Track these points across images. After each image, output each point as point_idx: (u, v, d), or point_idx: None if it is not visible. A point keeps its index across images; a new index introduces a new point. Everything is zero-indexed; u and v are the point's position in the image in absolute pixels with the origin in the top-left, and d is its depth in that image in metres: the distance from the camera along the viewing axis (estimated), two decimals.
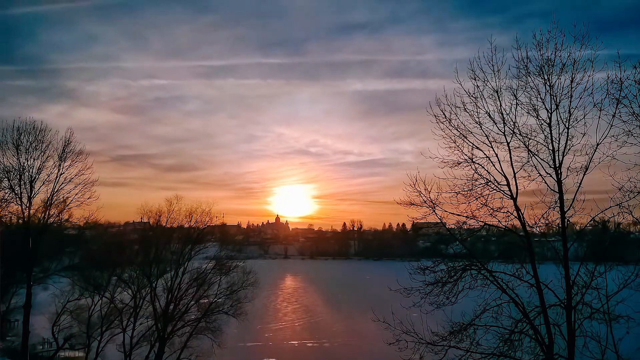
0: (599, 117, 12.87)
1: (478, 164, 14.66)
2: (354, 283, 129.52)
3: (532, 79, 13.90)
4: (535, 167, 13.94)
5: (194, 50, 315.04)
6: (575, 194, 13.35)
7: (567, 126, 13.47)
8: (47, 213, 33.81)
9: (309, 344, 59.12)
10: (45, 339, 45.98)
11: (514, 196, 14.26)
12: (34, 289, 35.86)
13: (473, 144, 14.71)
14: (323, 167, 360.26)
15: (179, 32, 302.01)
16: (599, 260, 13.49)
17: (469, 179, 14.67)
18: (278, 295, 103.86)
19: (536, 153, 13.94)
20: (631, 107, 12.43)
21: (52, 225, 35.27)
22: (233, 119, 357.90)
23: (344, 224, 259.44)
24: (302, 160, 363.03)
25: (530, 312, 13.79)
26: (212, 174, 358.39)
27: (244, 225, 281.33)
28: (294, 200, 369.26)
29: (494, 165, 14.55)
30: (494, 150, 14.51)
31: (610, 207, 13.03)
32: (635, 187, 12.68)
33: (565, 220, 13.56)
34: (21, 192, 32.92)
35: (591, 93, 13.01)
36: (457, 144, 14.81)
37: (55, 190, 33.65)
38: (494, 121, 14.48)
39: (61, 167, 33.77)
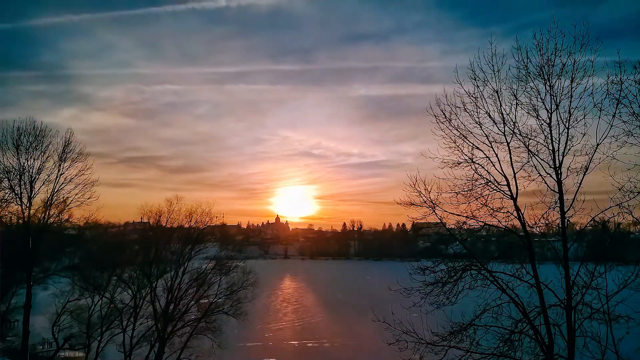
0: (599, 118, 12.87)
1: (478, 164, 14.68)
2: (354, 283, 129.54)
3: (532, 79, 13.91)
4: (535, 168, 13.95)
5: (207, 58, 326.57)
6: (575, 194, 13.36)
7: (567, 126, 13.47)
8: (47, 213, 33.85)
9: (309, 344, 59.12)
10: (45, 339, 45.98)
11: (514, 196, 14.26)
12: (34, 289, 35.89)
13: (473, 144, 14.74)
14: (326, 168, 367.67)
15: (194, 41, 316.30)
16: (599, 260, 13.49)
17: (469, 179, 14.69)
18: (278, 295, 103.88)
19: (536, 153, 13.95)
20: (631, 107, 12.44)
21: (52, 226, 35.29)
22: (241, 123, 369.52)
23: (344, 224, 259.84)
24: (306, 161, 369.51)
25: (530, 312, 13.79)
26: (217, 175, 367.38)
27: (244, 226, 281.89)
28: (296, 201, 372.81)
29: (494, 166, 14.57)
30: (494, 151, 14.53)
31: (610, 207, 13.03)
32: (635, 187, 12.68)
33: (565, 220, 13.56)
34: (21, 192, 32.94)
35: (591, 93, 13.01)
36: (457, 144, 14.84)
37: (55, 190, 33.69)
38: (494, 121, 14.49)
39: (61, 167, 33.82)
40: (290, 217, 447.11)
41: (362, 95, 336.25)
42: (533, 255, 14.15)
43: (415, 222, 15.94)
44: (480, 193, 14.53)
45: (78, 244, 45.95)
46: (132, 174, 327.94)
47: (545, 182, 13.78)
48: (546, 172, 13.77)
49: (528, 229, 14.18)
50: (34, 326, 37.33)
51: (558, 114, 13.59)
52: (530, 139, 14.05)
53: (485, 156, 14.61)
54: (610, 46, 13.04)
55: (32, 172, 33.23)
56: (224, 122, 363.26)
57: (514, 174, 14.22)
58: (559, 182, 13.57)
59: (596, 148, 13.05)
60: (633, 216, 13.03)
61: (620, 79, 12.40)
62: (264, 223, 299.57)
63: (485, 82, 14.40)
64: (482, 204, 14.50)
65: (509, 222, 14.56)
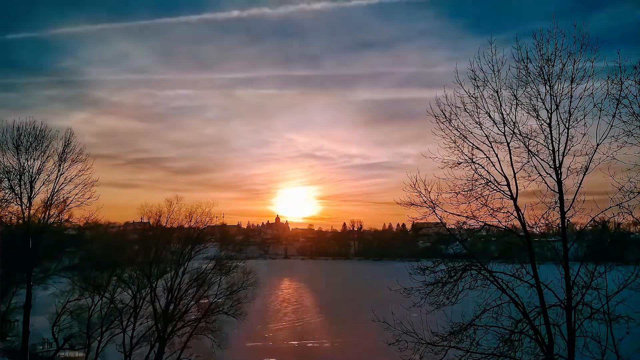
0: (599, 118, 12.88)
1: (478, 164, 14.69)
2: (354, 283, 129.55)
3: (532, 79, 13.92)
4: (535, 168, 13.95)
5: (218, 65, 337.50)
6: (575, 195, 13.37)
7: (567, 126, 13.47)
8: (47, 213, 33.83)
9: (309, 344, 59.12)
10: (45, 339, 45.94)
11: (514, 196, 14.26)
12: (34, 289, 35.87)
13: (473, 144, 14.75)
14: (329, 169, 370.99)
15: (205, 49, 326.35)
16: (599, 260, 13.49)
17: (469, 179, 14.70)
18: (278, 295, 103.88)
19: (536, 153, 13.96)
20: (631, 107, 12.45)
21: (52, 226, 35.29)
22: (248, 126, 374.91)
23: (344, 224, 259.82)
24: (310, 163, 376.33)
25: (530, 313, 13.79)
26: (221, 176, 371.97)
27: (244, 226, 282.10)
28: (298, 201, 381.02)
29: (494, 166, 14.57)
30: (494, 151, 14.54)
31: (610, 207, 13.03)
32: (635, 187, 12.69)
33: (565, 220, 13.56)
34: (21, 192, 32.93)
35: (591, 93, 13.02)
36: (457, 144, 14.85)
37: (55, 190, 33.67)
38: (494, 121, 14.49)
39: (61, 167, 33.79)
40: (292, 218, 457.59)
41: (367, 99, 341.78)
42: (533, 256, 14.15)
43: (415, 222, 15.97)
44: (480, 193, 14.54)
45: (78, 244, 45.93)
46: (137, 175, 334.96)
47: (545, 182, 13.79)
48: (546, 172, 13.78)
49: (528, 229, 14.19)
50: (34, 326, 37.29)
51: (558, 114, 13.60)
52: (530, 139, 14.06)
53: (485, 156, 14.63)
54: (610, 46, 13.06)
55: (32, 172, 33.24)
56: (231, 125, 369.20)
57: (514, 174, 14.23)
58: (559, 182, 13.57)
59: (596, 148, 13.06)
60: (633, 216, 13.04)
61: (620, 79, 12.43)
62: (264, 223, 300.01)
63: (485, 82, 14.41)
64: (482, 204, 14.52)
65: (509, 222, 14.58)
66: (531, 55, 13.87)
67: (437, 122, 15.03)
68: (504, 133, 14.37)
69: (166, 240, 42.36)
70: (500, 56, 14.19)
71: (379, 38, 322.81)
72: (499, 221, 14.57)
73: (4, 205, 33.05)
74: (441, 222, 15.24)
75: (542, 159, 13.86)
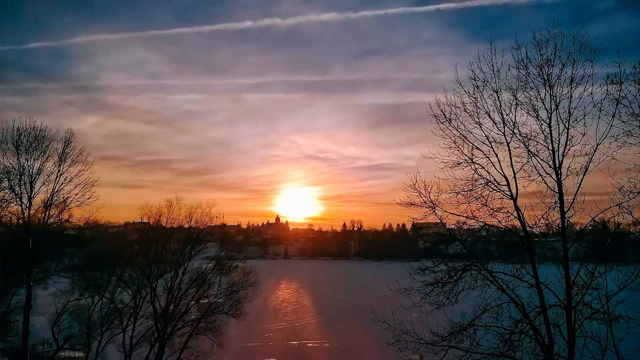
0: (599, 118, 12.89)
1: (478, 164, 14.69)
2: (354, 283, 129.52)
3: (532, 79, 13.92)
4: (535, 168, 13.96)
5: (229, 71, 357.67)
6: (575, 195, 13.37)
7: (567, 126, 13.48)
8: (47, 213, 33.78)
9: (309, 344, 59.12)
10: (45, 339, 45.95)
11: (514, 196, 14.26)
12: (34, 290, 35.83)
13: (473, 144, 14.76)
14: (332, 171, 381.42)
15: (217, 56, 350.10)
16: (599, 260, 13.49)
17: (469, 179, 14.71)
18: (278, 295, 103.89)
19: (536, 153, 13.96)
20: (631, 107, 12.45)
21: (52, 226, 35.23)
22: (254, 129, 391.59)
23: (344, 224, 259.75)
24: (313, 164, 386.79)
25: (530, 313, 13.79)
26: (226, 177, 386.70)
27: (244, 226, 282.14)
28: (300, 202, 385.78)
29: (493, 166, 14.58)
30: (493, 151, 14.55)
31: (610, 207, 13.04)
32: (635, 187, 12.69)
33: (565, 220, 13.56)
34: (21, 193, 32.89)
35: (591, 93, 13.02)
36: (457, 145, 14.86)
37: (55, 190, 33.62)
38: (493, 121, 14.50)
39: (61, 168, 33.75)
40: (295, 218, 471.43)
41: (371, 103, 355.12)
42: (533, 256, 14.16)
43: (415, 222, 15.96)
44: (480, 193, 14.55)
45: (78, 244, 45.88)
46: (143, 176, 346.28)
47: (545, 183, 13.79)
48: (546, 172, 13.78)
49: (528, 229, 14.19)
50: (34, 326, 37.30)
51: (558, 114, 13.61)
52: (530, 139, 14.06)
53: (485, 156, 14.64)
54: (610, 47, 13.07)
55: (32, 172, 33.19)
56: (238, 128, 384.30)
57: (514, 174, 14.23)
58: (559, 183, 13.57)
59: (596, 148, 13.07)
60: (633, 216, 13.04)
61: (620, 79, 12.44)
62: (264, 223, 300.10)
63: (485, 82, 14.42)
64: (482, 204, 14.52)
65: (509, 223, 14.58)
66: (531, 56, 13.90)
67: (437, 123, 15.06)
68: (503, 133, 14.38)
69: (166, 241, 42.33)
70: (500, 57, 14.22)
71: (384, 46, 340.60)
72: (499, 221, 14.59)
73: (4, 205, 33.02)
74: (441, 222, 15.26)
75: (542, 159, 13.87)
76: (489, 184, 14.51)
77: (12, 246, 35.05)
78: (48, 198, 33.52)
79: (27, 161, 33.07)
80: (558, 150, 13.59)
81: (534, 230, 14.36)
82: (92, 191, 34.28)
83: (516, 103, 14.14)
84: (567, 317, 13.13)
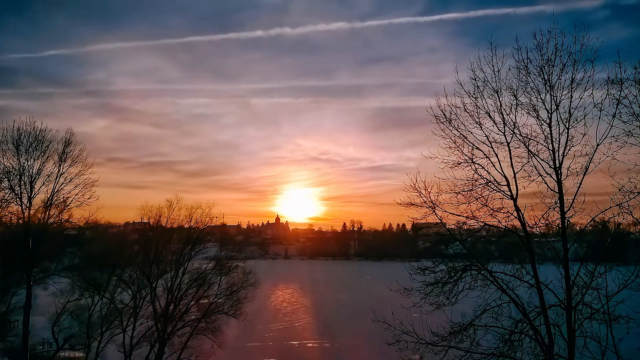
0: (599, 118, 12.89)
1: (478, 164, 14.69)
2: (354, 283, 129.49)
3: (532, 79, 13.92)
4: (535, 168, 13.95)
5: (238, 77, 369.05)
6: (575, 195, 13.36)
7: (567, 126, 13.47)
8: (47, 213, 33.76)
9: (309, 344, 59.12)
10: (45, 339, 45.95)
11: (514, 197, 14.26)
12: (34, 290, 35.82)
13: (473, 144, 14.75)
14: (335, 171, 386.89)
15: (228, 63, 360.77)
16: (599, 260, 13.49)
17: (469, 179, 14.71)
18: (278, 295, 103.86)
19: (536, 153, 13.95)
20: (631, 107, 12.45)
21: (52, 226, 35.21)
22: (260, 132, 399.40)
23: (344, 224, 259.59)
24: (317, 166, 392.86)
25: (531, 313, 13.79)
26: (230, 178, 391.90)
27: (244, 226, 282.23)
28: (302, 202, 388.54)
29: (494, 166, 14.57)
30: (494, 151, 14.54)
31: (611, 207, 13.03)
32: (635, 187, 12.69)
33: (566, 220, 13.56)
34: (21, 193, 32.87)
35: (591, 93, 13.01)
36: (457, 145, 14.86)
37: (55, 190, 33.60)
38: (494, 121, 14.49)
39: (61, 168, 33.74)
40: (297, 219, 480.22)
41: (375, 107, 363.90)
42: (533, 256, 14.15)
43: (415, 222, 15.95)
44: (480, 193, 14.55)
45: (78, 244, 45.88)
46: (148, 177, 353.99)
47: (546, 183, 13.78)
48: (546, 172, 13.78)
49: (528, 229, 14.18)
50: (34, 326, 37.27)
51: (558, 114, 13.61)
52: (530, 139, 14.06)
53: (485, 156, 14.63)
54: (610, 47, 13.07)
55: (32, 172, 33.17)
56: (244, 131, 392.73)
57: (514, 174, 14.23)
58: (559, 183, 13.56)
59: (596, 148, 13.07)
60: (633, 216, 13.04)
61: (621, 79, 12.44)
62: (264, 223, 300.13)
63: (486, 82, 14.41)
64: (482, 204, 14.51)
65: (509, 223, 14.58)
66: (531, 56, 13.90)
67: (438, 123, 15.06)
68: (504, 133, 14.37)
69: (166, 241, 42.34)
70: (500, 57, 14.22)
71: (389, 53, 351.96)
72: (499, 221, 14.59)
73: (4, 205, 33.00)
74: (441, 222, 15.25)
75: (542, 159, 13.87)
76: (489, 184, 14.51)
77: (12, 246, 35.02)
78: (48, 198, 33.53)
79: (27, 161, 33.07)
80: (558, 151, 13.59)
81: (534, 230, 14.36)
82: (92, 191, 34.30)
83: (516, 103, 14.15)
84: (567, 317, 13.12)
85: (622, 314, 13.04)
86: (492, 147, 14.52)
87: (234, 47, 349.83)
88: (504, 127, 14.33)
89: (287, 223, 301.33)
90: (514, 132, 14.23)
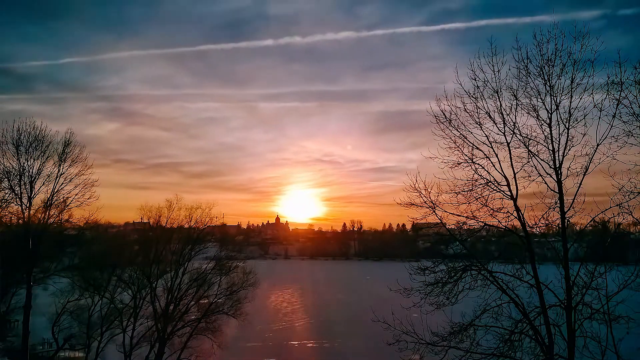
0: (599, 118, 12.89)
1: (478, 164, 14.69)
2: (354, 283, 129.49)
3: (532, 79, 13.92)
4: (536, 168, 13.96)
5: (247, 82, 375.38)
6: (575, 195, 13.36)
7: (567, 126, 13.47)
8: (47, 213, 33.75)
9: (309, 344, 59.12)
10: (45, 339, 45.97)
11: (514, 197, 14.26)
12: (34, 290, 35.80)
13: (473, 144, 14.75)
14: (338, 173, 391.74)
15: (238, 70, 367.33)
16: (599, 260, 13.49)
17: (469, 179, 14.71)
18: (278, 295, 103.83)
19: (536, 153, 13.95)
20: (631, 107, 12.45)
21: (52, 226, 35.20)
22: (266, 134, 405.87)
23: (344, 224, 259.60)
24: (320, 167, 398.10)
25: (531, 313, 13.79)
26: (234, 179, 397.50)
27: (244, 226, 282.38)
28: (305, 203, 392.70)
29: (494, 166, 14.57)
30: (494, 151, 14.54)
31: (611, 207, 13.03)
32: (635, 187, 12.68)
33: (566, 220, 13.56)
34: (21, 193, 32.85)
35: (591, 93, 13.01)
36: (457, 145, 14.86)
37: (55, 190, 33.56)
38: (494, 121, 14.49)
39: (61, 168, 33.72)
40: (299, 219, 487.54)
41: (379, 110, 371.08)
42: (533, 256, 14.15)
43: (415, 222, 15.95)
44: (480, 193, 14.55)
45: (78, 244, 45.90)
46: (154, 178, 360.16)
47: (546, 183, 13.79)
48: (546, 172, 13.78)
49: (528, 229, 14.18)
50: (34, 326, 37.23)
51: (558, 114, 13.60)
52: (530, 139, 14.06)
53: (485, 156, 14.63)
54: (610, 47, 13.06)
55: (32, 173, 33.14)
56: (251, 134, 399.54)
57: (514, 174, 14.23)
58: (559, 183, 13.56)
59: (596, 148, 13.07)
60: (633, 217, 13.03)
61: (621, 79, 12.43)
62: (264, 223, 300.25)
63: (486, 82, 14.41)
64: (482, 204, 14.52)
65: (509, 223, 14.58)
66: (531, 56, 13.90)
67: (438, 123, 15.06)
68: (504, 133, 14.37)
69: (166, 241, 42.34)
70: (500, 57, 14.22)
71: (393, 60, 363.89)
72: (499, 221, 14.59)
73: (4, 205, 32.98)
74: (441, 222, 15.25)
75: (542, 159, 13.87)
76: (489, 184, 14.51)
77: (12, 246, 35.02)
78: (48, 198, 33.49)
79: (27, 161, 33.02)
80: (558, 151, 13.59)
81: (534, 230, 14.36)
82: (92, 191, 34.27)
83: (516, 103, 14.15)
84: (567, 317, 13.13)
85: (622, 314, 13.04)
86: (492, 147, 14.54)
87: (244, 54, 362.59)
88: (504, 127, 14.34)
89: (287, 223, 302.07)
90: (514, 132, 14.24)
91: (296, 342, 59.99)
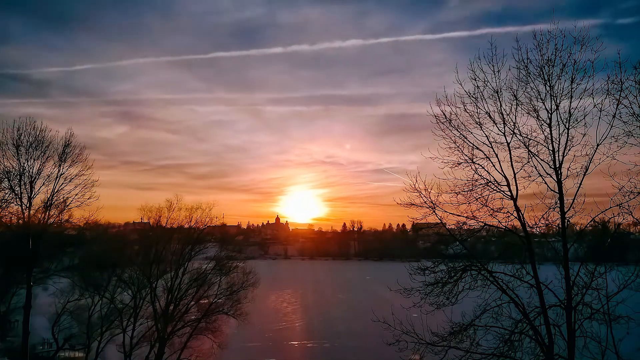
0: (599, 118, 12.89)
1: (478, 164, 14.68)
2: (354, 283, 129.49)
3: (532, 79, 13.92)
4: (536, 168, 13.95)
5: (255, 87, 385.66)
6: (576, 195, 13.36)
7: (567, 127, 13.48)
8: (47, 214, 33.72)
9: (309, 344, 59.13)
10: (45, 340, 45.97)
11: (514, 197, 14.25)
12: (34, 290, 35.76)
13: (473, 145, 14.74)
14: (340, 174, 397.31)
15: (247, 75, 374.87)
16: (599, 260, 13.49)
17: (469, 179, 14.69)
18: (278, 295, 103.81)
19: (536, 153, 13.96)
20: (631, 107, 12.45)
21: (52, 226, 35.16)
22: (271, 137, 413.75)
23: (344, 224, 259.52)
24: (323, 168, 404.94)
25: (531, 313, 13.79)
26: (238, 180, 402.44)
27: (244, 226, 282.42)
28: (307, 203, 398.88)
29: (494, 166, 14.57)
30: (494, 151, 14.53)
31: (611, 207, 13.03)
32: (635, 187, 12.68)
33: (566, 220, 13.56)
34: (21, 193, 32.83)
35: (591, 94, 13.02)
36: (457, 145, 14.84)
37: (56, 190, 33.53)
38: (494, 121, 14.49)
39: (61, 168, 33.70)
40: (301, 219, 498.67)
41: (383, 114, 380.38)
42: (533, 256, 14.15)
43: (415, 222, 15.95)
44: (480, 193, 14.54)
45: (78, 245, 45.89)
46: (159, 179, 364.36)
47: (546, 183, 13.79)
48: (546, 172, 13.78)
49: (528, 229, 14.18)
50: (34, 326, 37.23)
51: (558, 114, 13.61)
52: (530, 139, 14.06)
53: (485, 156, 14.62)
54: (610, 47, 13.07)
55: (32, 173, 33.12)
56: (256, 136, 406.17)
57: (514, 174, 14.23)
58: (559, 183, 13.57)
59: (596, 148, 13.07)
60: (633, 217, 13.04)
61: (621, 79, 12.43)
62: (264, 223, 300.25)
63: (486, 82, 14.41)
64: (482, 204, 14.50)
65: (509, 223, 14.58)
66: (531, 56, 13.91)
67: (438, 123, 15.05)
68: (504, 133, 14.37)
69: (166, 241, 42.34)
70: (500, 57, 14.22)
71: (398, 66, 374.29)
72: (499, 221, 14.58)
73: (4, 205, 32.94)
74: (441, 222, 15.25)
75: (542, 160, 13.87)
76: (489, 184, 14.50)
77: (12, 246, 35.02)
78: (48, 198, 33.45)
79: (27, 161, 32.99)
80: (558, 151, 13.59)
81: (534, 230, 14.36)
82: (92, 191, 34.24)
83: (516, 103, 14.15)
84: (567, 317, 13.13)
85: (622, 314, 13.05)
86: (492, 148, 14.53)
87: (253, 61, 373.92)
88: (504, 127, 14.34)
89: (287, 223, 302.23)
90: (514, 133, 14.24)
91: (296, 342, 60.00)
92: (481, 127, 14.57)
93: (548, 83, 13.67)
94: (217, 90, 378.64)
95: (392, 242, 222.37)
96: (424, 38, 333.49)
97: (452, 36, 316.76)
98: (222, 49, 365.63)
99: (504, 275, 14.41)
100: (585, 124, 13.21)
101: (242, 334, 52.25)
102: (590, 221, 13.53)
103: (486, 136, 14.56)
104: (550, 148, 13.68)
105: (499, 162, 14.45)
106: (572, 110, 13.32)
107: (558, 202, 13.56)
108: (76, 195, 33.85)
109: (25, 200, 32.92)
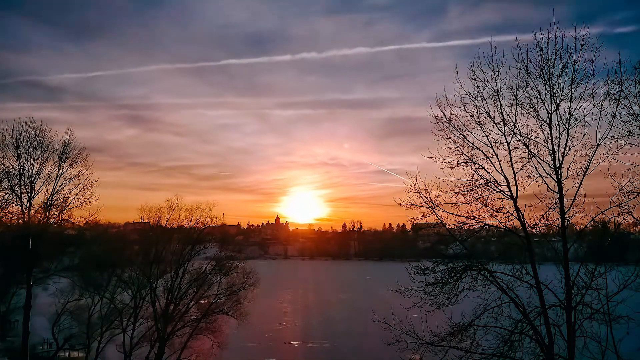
0: (599, 118, 12.90)
1: (478, 164, 14.68)
2: (354, 283, 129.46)
3: (532, 79, 13.92)
4: (536, 168, 13.96)
5: (264, 92, 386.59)
6: (575, 195, 13.36)
7: (567, 127, 13.48)
8: (47, 214, 33.73)
9: (309, 344, 59.10)
10: (45, 340, 45.95)
11: (514, 197, 14.26)
12: (34, 290, 35.78)
13: (473, 145, 14.75)
14: (343, 175, 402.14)
15: (257, 81, 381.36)
16: (599, 260, 13.50)
17: (469, 179, 14.70)
18: (278, 295, 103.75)
19: (536, 153, 13.96)
20: (631, 107, 12.46)
21: (52, 226, 35.17)
22: (277, 139, 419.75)
23: (344, 224, 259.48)
24: (326, 169, 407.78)
25: (531, 313, 13.79)
26: (242, 181, 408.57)
27: (244, 226, 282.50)
28: (309, 203, 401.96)
29: (494, 166, 14.57)
30: (494, 151, 14.54)
31: (611, 207, 13.04)
32: (635, 187, 12.69)
33: (566, 220, 13.56)
34: (21, 193, 32.84)
35: (591, 94, 13.02)
36: (457, 145, 14.85)
37: (55, 190, 33.54)
38: (494, 122, 14.49)
39: (61, 168, 33.71)
40: (303, 219, 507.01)
41: (387, 117, 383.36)
42: (533, 256, 14.15)
43: (415, 222, 15.95)
44: (480, 193, 14.54)
45: (78, 245, 45.87)
46: (165, 180, 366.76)
47: (546, 183, 13.79)
48: (546, 172, 13.78)
49: (528, 229, 14.18)
50: (34, 326, 37.23)
51: (558, 114, 13.61)
52: (530, 139, 14.07)
53: (485, 156, 14.62)
54: (610, 47, 13.07)
55: (32, 173, 33.13)
56: (262, 139, 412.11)
57: (514, 174, 14.23)
58: (559, 183, 13.56)
59: (596, 148, 13.07)
60: (633, 217, 13.04)
61: (621, 79, 12.44)
62: (264, 223, 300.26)
63: (486, 82, 14.41)
64: (482, 204, 14.51)
65: (509, 223, 14.58)
66: (531, 56, 13.91)
67: (438, 123, 15.05)
68: (504, 133, 14.37)
69: (166, 241, 42.33)
70: (500, 57, 14.22)
71: (402, 72, 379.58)
72: (499, 221, 14.59)
73: (4, 205, 32.95)
74: (441, 222, 15.25)
75: (542, 160, 13.87)
76: (489, 184, 14.50)
77: (12, 246, 35.01)
78: (48, 198, 33.46)
79: (27, 161, 33.02)
80: (558, 151, 13.59)
81: (534, 230, 14.36)
82: (92, 191, 34.25)
83: (516, 103, 14.16)
84: (567, 317, 13.13)
85: (622, 314, 13.05)
86: (492, 148, 14.54)
87: (262, 67, 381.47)
88: (504, 127, 14.34)
89: (287, 223, 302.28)
90: (514, 133, 14.24)
91: (296, 342, 59.98)
92: (481, 127, 14.58)
93: (548, 83, 13.67)
94: (227, 95, 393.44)
95: (392, 242, 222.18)
96: (428, 46, 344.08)
97: (455, 44, 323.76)
98: (234, 57, 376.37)
99: (504, 275, 14.41)
100: (585, 124, 13.23)
101: (242, 334, 52.22)
102: (590, 221, 13.54)
103: (486, 136, 14.58)
104: (550, 148, 13.69)
105: (499, 162, 14.48)
106: (572, 110, 13.34)
107: (558, 202, 13.56)
108: (76, 195, 33.90)
109: (25, 200, 32.95)
